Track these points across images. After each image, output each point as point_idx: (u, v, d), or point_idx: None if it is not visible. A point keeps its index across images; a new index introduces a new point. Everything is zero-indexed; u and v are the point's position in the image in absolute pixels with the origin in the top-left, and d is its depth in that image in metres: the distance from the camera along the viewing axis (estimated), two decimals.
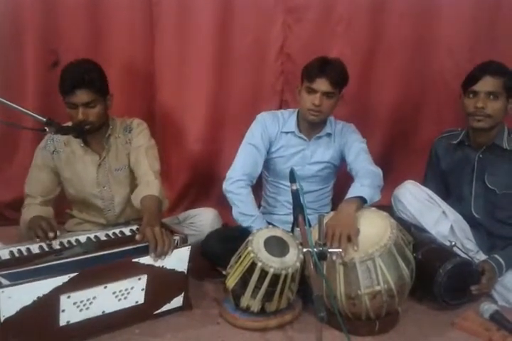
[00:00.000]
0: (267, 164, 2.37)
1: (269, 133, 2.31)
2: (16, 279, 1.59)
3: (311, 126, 2.29)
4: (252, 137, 2.30)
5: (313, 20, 2.68)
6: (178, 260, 1.87)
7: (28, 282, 1.58)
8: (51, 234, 1.91)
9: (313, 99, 2.13)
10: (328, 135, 2.32)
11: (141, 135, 2.22)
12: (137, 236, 1.82)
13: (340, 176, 2.48)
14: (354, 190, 2.02)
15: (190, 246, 1.89)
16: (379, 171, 2.15)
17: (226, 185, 2.23)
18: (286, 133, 2.32)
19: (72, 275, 1.64)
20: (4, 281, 1.58)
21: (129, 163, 2.21)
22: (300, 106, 2.25)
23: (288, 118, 2.34)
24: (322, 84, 2.12)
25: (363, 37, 2.68)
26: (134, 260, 1.76)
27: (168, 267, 1.85)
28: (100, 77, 2.08)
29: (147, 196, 2.01)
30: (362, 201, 1.98)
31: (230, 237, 2.08)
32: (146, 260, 1.78)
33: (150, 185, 2.07)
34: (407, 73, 2.74)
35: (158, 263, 1.81)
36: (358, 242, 1.83)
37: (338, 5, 2.66)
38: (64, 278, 1.63)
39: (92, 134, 2.13)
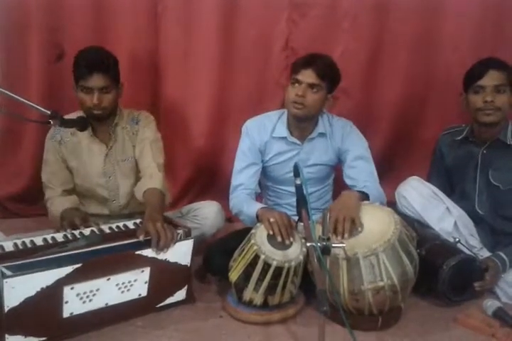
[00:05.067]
0: (264, 171, 2.30)
1: (258, 144, 2.22)
2: (19, 270, 1.59)
3: (301, 126, 2.19)
4: (241, 152, 2.25)
5: (318, 15, 2.68)
6: (181, 253, 1.87)
7: (31, 273, 1.59)
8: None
9: (297, 90, 2.05)
10: (322, 135, 2.22)
11: (148, 127, 2.23)
12: (138, 234, 1.81)
13: (340, 170, 2.42)
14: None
15: (193, 240, 1.89)
16: (383, 194, 2.16)
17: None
18: (278, 138, 2.22)
19: (75, 266, 1.64)
20: (8, 272, 1.58)
21: (134, 154, 2.22)
22: (285, 102, 2.16)
23: (277, 121, 2.24)
24: (307, 75, 2.05)
25: (368, 32, 2.68)
26: (137, 252, 1.77)
27: (172, 260, 1.85)
28: (115, 64, 2.11)
29: (150, 189, 2.02)
30: (364, 196, 1.99)
31: (233, 249, 1.97)
32: (149, 252, 1.79)
33: (153, 177, 2.08)
34: (412, 69, 2.74)
35: (162, 256, 1.82)
36: (363, 226, 1.84)
37: (344, 0, 2.65)
38: (68, 269, 1.63)
39: (99, 122, 2.14)
